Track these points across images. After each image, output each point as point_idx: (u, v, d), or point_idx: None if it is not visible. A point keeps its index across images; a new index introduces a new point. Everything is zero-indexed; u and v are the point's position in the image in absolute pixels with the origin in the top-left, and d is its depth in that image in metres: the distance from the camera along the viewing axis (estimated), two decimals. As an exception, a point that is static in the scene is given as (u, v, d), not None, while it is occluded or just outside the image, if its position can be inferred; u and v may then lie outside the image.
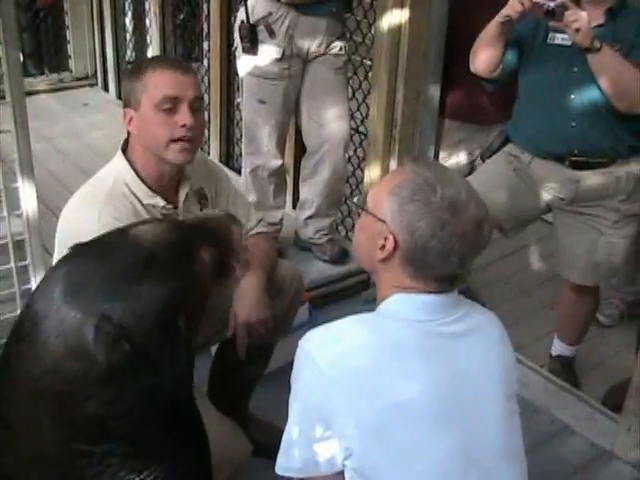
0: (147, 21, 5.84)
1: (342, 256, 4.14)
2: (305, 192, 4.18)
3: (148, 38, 5.92)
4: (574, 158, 3.17)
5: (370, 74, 4.13)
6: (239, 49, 3.93)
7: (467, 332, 1.82)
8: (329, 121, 3.96)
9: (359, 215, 1.93)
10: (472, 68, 3.28)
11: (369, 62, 4.30)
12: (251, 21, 3.81)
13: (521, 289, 4.32)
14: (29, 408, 1.64)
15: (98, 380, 1.60)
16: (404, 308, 1.78)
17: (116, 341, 1.59)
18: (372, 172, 3.91)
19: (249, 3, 3.84)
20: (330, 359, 1.71)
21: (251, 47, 3.83)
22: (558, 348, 3.65)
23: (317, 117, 3.97)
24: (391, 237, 1.76)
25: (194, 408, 1.85)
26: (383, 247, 1.78)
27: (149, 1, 5.89)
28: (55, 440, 1.63)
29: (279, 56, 3.82)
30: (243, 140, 4.15)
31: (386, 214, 1.77)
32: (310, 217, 4.15)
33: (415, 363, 1.72)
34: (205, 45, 5.58)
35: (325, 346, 1.73)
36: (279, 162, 4.08)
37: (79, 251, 1.73)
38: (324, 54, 3.90)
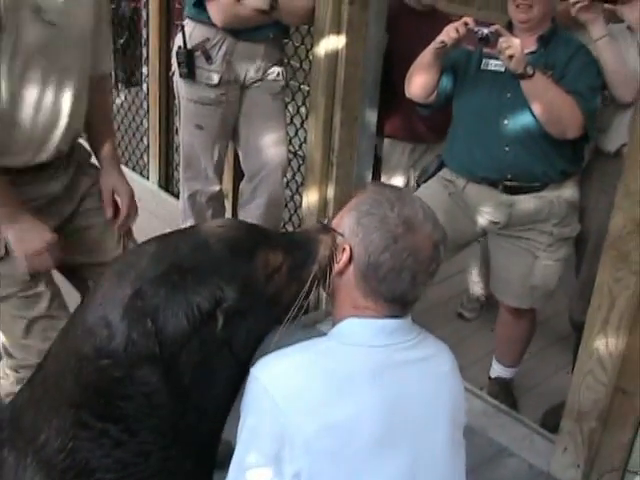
0: (86, 45, 5.79)
1: None
2: (243, 217, 4.16)
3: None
4: (507, 183, 3.20)
5: (308, 99, 4.13)
6: (177, 74, 3.91)
7: (419, 360, 1.83)
8: (267, 146, 3.97)
9: None
10: (407, 93, 3.31)
11: (307, 87, 4.30)
12: (188, 46, 3.80)
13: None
14: (62, 363, 1.79)
15: (113, 352, 1.69)
16: (357, 332, 1.79)
17: (140, 318, 1.67)
18: (310, 197, 3.92)
19: (186, 29, 3.83)
20: (279, 383, 1.71)
21: (188, 72, 3.82)
22: (497, 370, 3.67)
23: (255, 142, 3.97)
24: (347, 248, 1.79)
25: (214, 437, 1.85)
26: (339, 260, 1.81)
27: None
28: (70, 401, 1.74)
29: (216, 82, 3.82)
30: (181, 165, 4.14)
31: (345, 228, 1.81)
32: (249, 242, 4.13)
33: (364, 388, 1.73)
34: (144, 70, 5.55)
35: (274, 371, 1.74)
36: (217, 187, 4.07)
37: (164, 235, 1.90)
38: (262, 79, 3.91)
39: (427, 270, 1.78)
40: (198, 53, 3.80)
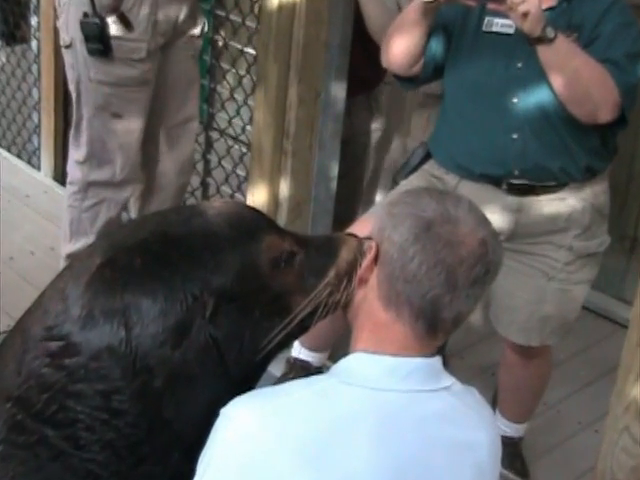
0: (-45, -10, 5.79)
1: None
2: None
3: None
4: (514, 181, 3.22)
5: (254, 67, 4.18)
6: (79, 50, 3.88)
7: (441, 418, 1.86)
8: (183, 122, 4.14)
9: None
10: (384, 62, 3.34)
11: (252, 51, 4.37)
12: (98, 12, 3.76)
13: (452, 349, 4.33)
14: (8, 346, 1.89)
15: (68, 333, 1.76)
16: (363, 370, 1.84)
17: (106, 291, 1.75)
18: (257, 196, 3.95)
19: None
20: (261, 427, 1.74)
21: (103, 48, 3.79)
22: (500, 427, 3.61)
23: (169, 118, 4.14)
24: (373, 246, 1.89)
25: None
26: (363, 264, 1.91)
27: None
28: (6, 393, 1.80)
29: (144, 54, 3.85)
30: (83, 166, 4.13)
31: (373, 227, 1.94)
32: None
33: (364, 443, 1.76)
34: (33, 21, 5.51)
35: (256, 412, 1.76)
36: (129, 192, 4.14)
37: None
38: (182, 33, 4.00)
39: (470, 273, 1.83)
40: (113, 19, 3.77)
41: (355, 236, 2.00)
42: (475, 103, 3.24)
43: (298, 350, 3.86)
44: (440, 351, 3.92)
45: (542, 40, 2.97)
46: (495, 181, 3.26)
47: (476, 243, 1.84)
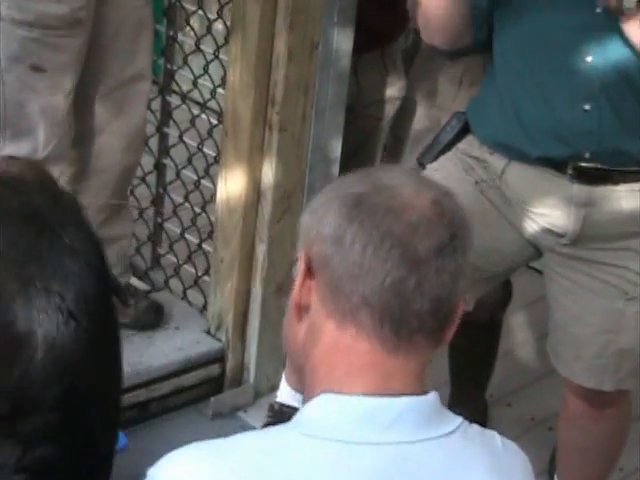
0: None
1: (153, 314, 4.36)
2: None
3: None
4: (584, 165, 3.20)
5: (228, 9, 4.20)
6: None
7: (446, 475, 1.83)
8: (129, 82, 4.15)
9: None
10: (425, 37, 3.40)
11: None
12: None
13: (498, 392, 4.38)
14: None
15: None
16: (333, 418, 1.80)
17: None
18: (232, 182, 3.97)
19: None
20: None
21: None
22: (560, 500, 3.71)
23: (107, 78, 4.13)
24: (302, 255, 1.89)
25: None
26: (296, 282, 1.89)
27: None
28: None
29: None
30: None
31: (300, 239, 1.95)
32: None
33: None
34: None
35: (199, 472, 1.75)
36: (57, 172, 4.08)
37: None
38: None
39: (430, 240, 1.81)
40: None
41: None
42: (533, 62, 3.23)
43: (285, 393, 3.80)
44: (477, 397, 4.06)
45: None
46: (557, 164, 3.25)
47: (427, 202, 1.83)
